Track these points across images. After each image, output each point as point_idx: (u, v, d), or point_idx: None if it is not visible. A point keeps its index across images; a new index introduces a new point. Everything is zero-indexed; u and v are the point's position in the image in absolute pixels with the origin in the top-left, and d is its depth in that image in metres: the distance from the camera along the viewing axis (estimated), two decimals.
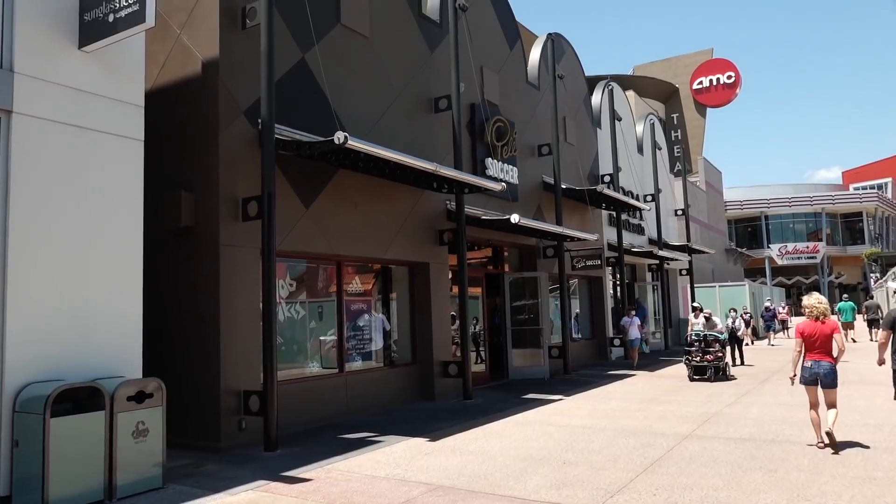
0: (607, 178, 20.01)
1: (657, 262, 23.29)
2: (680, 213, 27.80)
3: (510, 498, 5.77)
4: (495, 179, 13.19)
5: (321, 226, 9.92)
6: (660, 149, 24.97)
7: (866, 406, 9.59)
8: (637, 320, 17.16)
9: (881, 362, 7.98)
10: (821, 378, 7.13)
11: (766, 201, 63.79)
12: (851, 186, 71.39)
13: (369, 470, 6.85)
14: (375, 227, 11.00)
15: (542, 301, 15.29)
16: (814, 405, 7.32)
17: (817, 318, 7.28)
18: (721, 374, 13.72)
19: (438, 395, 11.95)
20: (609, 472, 6.48)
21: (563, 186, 16.43)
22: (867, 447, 7.16)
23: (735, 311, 17.91)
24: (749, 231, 65.38)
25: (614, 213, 20.22)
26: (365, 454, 7.58)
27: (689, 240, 26.56)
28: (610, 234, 20.45)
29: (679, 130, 46.05)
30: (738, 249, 44.93)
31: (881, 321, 9.81)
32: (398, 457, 7.41)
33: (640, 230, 23.40)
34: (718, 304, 27.47)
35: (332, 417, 9.95)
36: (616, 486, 5.99)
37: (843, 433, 7.91)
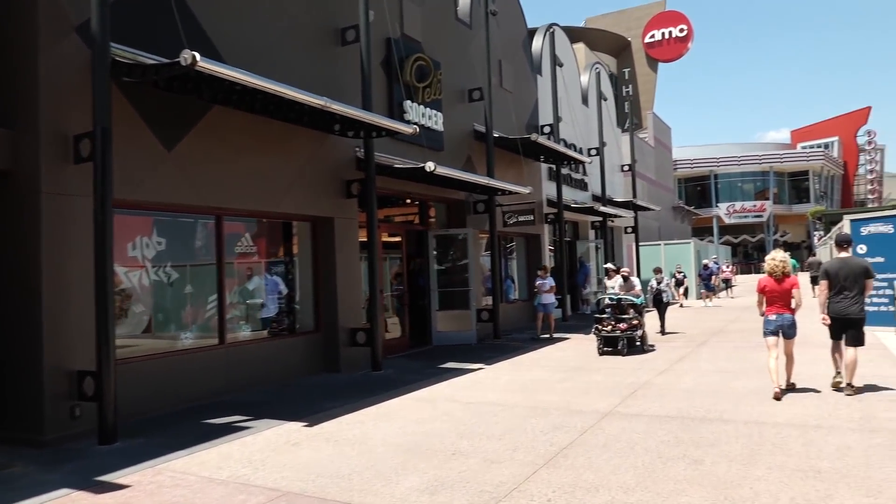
0: (547, 129, 18.69)
1: (600, 219, 22.26)
2: (626, 168, 26.79)
3: None
4: (408, 123, 11.70)
5: (189, 173, 8.34)
6: (605, 100, 23.72)
7: (810, 374, 8.66)
8: (550, 282, 14.54)
9: (823, 311, 7.72)
10: (784, 330, 7.55)
11: (715, 160, 63.88)
12: (799, 146, 72.02)
13: (212, 469, 5.51)
14: (265, 177, 9.46)
15: (471, 260, 14.04)
16: (771, 349, 7.58)
17: (772, 273, 7.64)
18: (636, 347, 11.68)
19: (345, 365, 10.64)
20: (504, 467, 5.29)
21: (496, 135, 15.04)
22: (811, 425, 6.15)
23: (660, 270, 15.34)
24: (699, 190, 65.55)
25: (554, 167, 18.99)
26: (219, 446, 6.23)
27: (634, 196, 25.62)
28: (550, 190, 19.25)
29: (630, 85, 45.08)
30: (686, 207, 44.56)
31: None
32: (257, 449, 6.09)
33: (583, 186, 22.28)
34: (664, 262, 26.77)
35: (209, 396, 8.55)
36: (505, 488, 4.79)
37: (785, 407, 6.93)
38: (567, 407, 7.40)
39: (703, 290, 23.65)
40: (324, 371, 10.58)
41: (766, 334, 7.65)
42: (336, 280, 10.66)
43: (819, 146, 69.23)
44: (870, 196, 70.14)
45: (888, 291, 13.24)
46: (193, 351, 8.66)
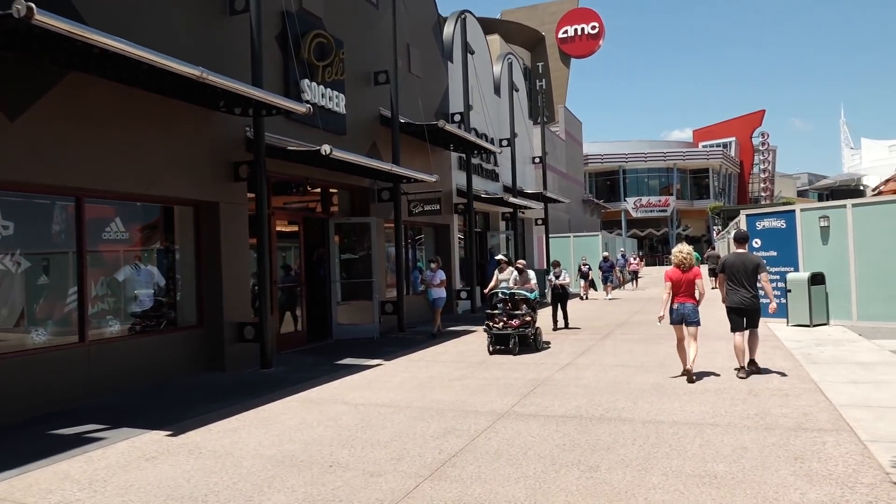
0: (457, 117, 18.26)
1: (511, 210, 22.13)
2: (537, 160, 26.84)
3: None
4: (303, 102, 10.87)
5: (40, 147, 7.28)
6: (517, 90, 23.56)
7: (706, 366, 8.62)
8: (441, 275, 13.45)
9: (724, 300, 8.38)
10: (686, 317, 7.94)
11: (624, 156, 65.86)
12: (700, 144, 75.35)
13: (40, 493, 4.67)
14: (135, 155, 8.46)
15: (374, 250, 13.41)
16: (680, 341, 8.09)
17: (680, 266, 8.00)
18: (529, 345, 10.80)
19: (231, 363, 9.80)
20: (384, 480, 4.74)
21: (403, 121, 14.44)
22: (708, 423, 5.96)
23: (558, 264, 14.56)
24: (608, 184, 67.49)
25: (464, 157, 18.59)
26: (59, 463, 5.36)
27: (545, 188, 25.68)
28: (460, 180, 18.86)
29: (544, 79, 45.54)
30: (595, 200, 45.56)
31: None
32: (104, 466, 5.27)
33: (494, 176, 22.06)
34: (572, 254, 27.15)
35: (66, 402, 7.55)
36: None
37: (683, 403, 6.74)
38: (462, 407, 6.95)
39: (605, 283, 23.01)
40: (208, 370, 9.71)
41: (672, 322, 8.09)
42: (221, 270, 9.78)
43: (718, 146, 72.75)
44: (763, 194, 74.47)
45: (780, 284, 13.64)
46: (47, 350, 7.61)
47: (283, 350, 11.53)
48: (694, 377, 7.81)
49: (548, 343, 11.51)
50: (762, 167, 75.68)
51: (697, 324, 7.94)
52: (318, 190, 13.72)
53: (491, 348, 10.65)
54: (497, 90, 23.06)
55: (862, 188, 70.77)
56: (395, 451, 5.43)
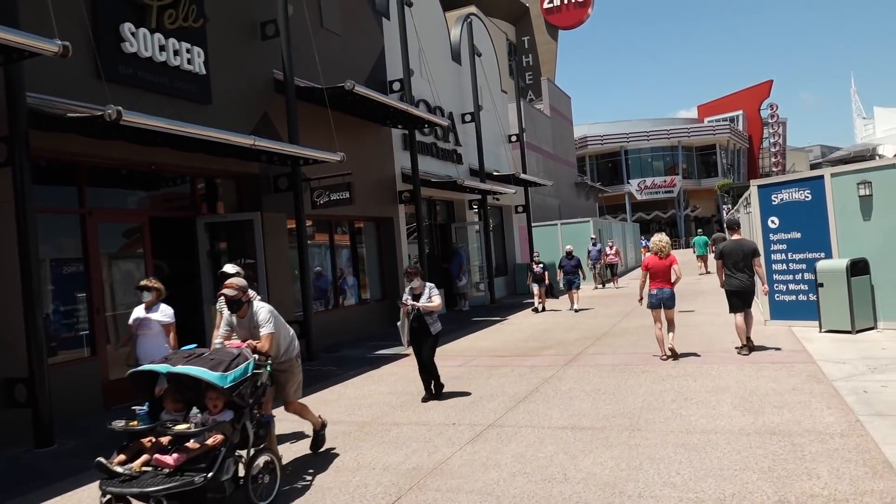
0: (397, 86, 14.88)
1: (478, 196, 18.71)
2: (514, 139, 23.37)
3: None
4: (55, 41, 7.45)
5: None
6: (479, 55, 20.04)
7: (705, 422, 5.26)
8: (167, 313, 6.51)
9: (722, 284, 8.80)
10: (664, 301, 8.57)
11: (625, 136, 62.13)
12: (706, 120, 71.35)
13: None
14: None
15: (260, 256, 10.08)
16: (657, 320, 8.62)
17: (658, 253, 8.65)
18: (224, 496, 4.19)
19: None
20: None
21: (302, 85, 11.08)
22: None
23: (416, 273, 7.61)
24: (610, 167, 63.77)
25: (409, 134, 15.18)
26: None
27: (524, 170, 22.24)
28: (406, 162, 15.45)
29: (530, 55, 41.97)
30: (590, 183, 41.95)
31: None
32: None
33: (455, 158, 18.59)
34: (560, 244, 23.65)
35: None
36: None
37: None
38: None
39: (569, 289, 15.48)
40: None
41: (650, 306, 8.66)
42: None
43: (725, 120, 68.69)
44: (774, 169, 70.32)
45: (808, 276, 10.21)
46: None
47: (130, 401, 8.29)
48: (678, 355, 8.43)
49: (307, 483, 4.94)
50: (772, 140, 71.53)
51: (674, 307, 8.59)
52: (186, 181, 10.42)
53: None
54: (456, 57, 19.57)
55: (878, 158, 66.64)
56: None
